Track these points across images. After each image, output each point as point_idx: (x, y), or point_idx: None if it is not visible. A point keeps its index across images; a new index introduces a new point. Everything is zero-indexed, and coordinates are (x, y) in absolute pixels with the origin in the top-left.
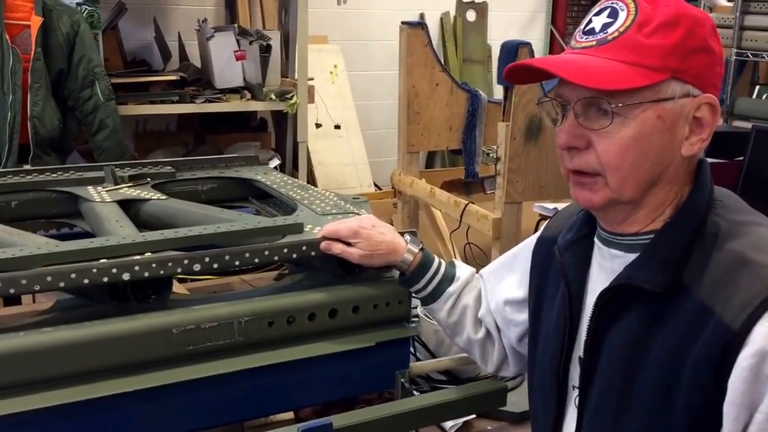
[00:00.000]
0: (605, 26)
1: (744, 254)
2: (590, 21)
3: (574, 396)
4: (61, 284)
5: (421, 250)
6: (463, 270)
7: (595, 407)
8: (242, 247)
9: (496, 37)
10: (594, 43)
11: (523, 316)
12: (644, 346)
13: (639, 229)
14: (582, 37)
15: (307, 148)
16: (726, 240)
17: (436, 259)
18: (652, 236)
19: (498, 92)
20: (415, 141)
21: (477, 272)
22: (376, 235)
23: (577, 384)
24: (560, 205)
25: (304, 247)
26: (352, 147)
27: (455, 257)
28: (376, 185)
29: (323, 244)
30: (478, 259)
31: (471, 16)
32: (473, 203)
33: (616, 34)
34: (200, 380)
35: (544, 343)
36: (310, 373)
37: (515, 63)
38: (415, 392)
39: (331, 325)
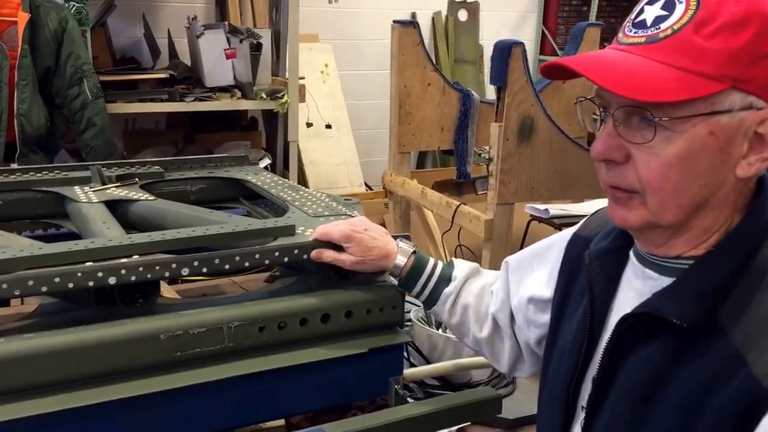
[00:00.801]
0: (658, 20)
1: None
2: (642, 11)
3: (581, 417)
4: (44, 288)
5: (413, 253)
6: (460, 269)
7: None
8: (233, 250)
9: (488, 37)
10: (643, 39)
11: (546, 317)
12: (663, 383)
13: (680, 253)
14: (631, 31)
15: (298, 147)
16: None
17: (431, 262)
18: (691, 262)
19: (490, 92)
20: (407, 141)
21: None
22: (368, 239)
23: (585, 405)
24: (551, 207)
25: (295, 251)
26: (343, 147)
27: (446, 260)
28: (367, 185)
29: (314, 253)
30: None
31: (463, 15)
32: (465, 204)
33: (669, 32)
34: (189, 387)
35: (559, 355)
36: (301, 380)
37: (549, 62)
38: (409, 399)
39: (324, 330)
